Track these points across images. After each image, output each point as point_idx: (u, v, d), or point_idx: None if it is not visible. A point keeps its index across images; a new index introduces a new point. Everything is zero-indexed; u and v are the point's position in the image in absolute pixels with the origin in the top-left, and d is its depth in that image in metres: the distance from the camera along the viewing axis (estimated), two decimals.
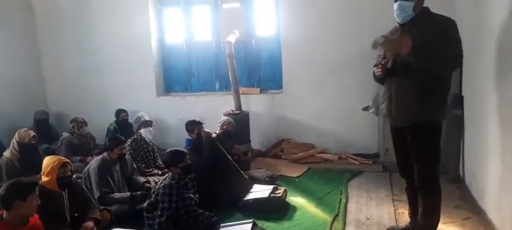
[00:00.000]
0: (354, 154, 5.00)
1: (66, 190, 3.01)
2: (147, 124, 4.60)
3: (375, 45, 2.93)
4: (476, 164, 3.56)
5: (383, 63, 2.56)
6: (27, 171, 4.09)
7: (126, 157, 3.85)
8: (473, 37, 3.37)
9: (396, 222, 3.26)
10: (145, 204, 3.07)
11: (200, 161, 3.79)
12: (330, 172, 4.66)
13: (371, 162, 4.82)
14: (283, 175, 4.62)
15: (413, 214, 2.89)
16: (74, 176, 3.14)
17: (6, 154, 4.12)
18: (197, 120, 4.29)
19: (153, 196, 2.98)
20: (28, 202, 2.36)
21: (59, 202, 2.96)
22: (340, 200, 3.80)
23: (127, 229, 3.08)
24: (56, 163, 2.91)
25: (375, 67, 2.62)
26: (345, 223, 3.32)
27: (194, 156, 3.72)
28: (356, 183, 4.28)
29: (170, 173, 3.06)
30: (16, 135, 4.20)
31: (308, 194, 4.02)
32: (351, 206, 3.66)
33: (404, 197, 3.12)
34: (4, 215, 2.37)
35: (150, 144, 4.56)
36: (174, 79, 6.31)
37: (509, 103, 2.55)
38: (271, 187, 3.83)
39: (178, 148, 3.16)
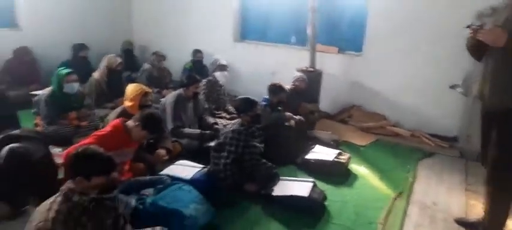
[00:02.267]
0: (430, 134, 4.66)
1: None
2: (223, 68, 4.71)
3: (473, 27, 2.55)
4: None
5: (478, 26, 2.22)
6: (112, 93, 4.49)
7: (199, 96, 4.00)
8: None
9: (466, 214, 3.04)
10: (213, 143, 3.20)
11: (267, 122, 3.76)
12: (399, 148, 4.43)
13: (447, 146, 4.46)
14: (348, 141, 4.50)
15: None
16: (152, 105, 3.37)
17: (96, 75, 4.51)
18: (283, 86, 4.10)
19: (222, 138, 3.09)
20: None
21: None
22: (406, 178, 3.62)
23: (194, 163, 3.26)
24: (139, 91, 3.15)
25: (468, 28, 2.27)
26: (408, 203, 3.17)
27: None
28: (427, 164, 4.01)
29: (240, 119, 3.13)
30: (105, 60, 4.55)
31: (372, 166, 3.88)
32: (418, 187, 3.47)
33: (480, 189, 2.86)
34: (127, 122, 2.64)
35: (223, 87, 4.68)
36: (251, 26, 6.28)
37: None
38: (337, 151, 3.76)
39: (250, 97, 3.19)
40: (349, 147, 4.35)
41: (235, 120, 3.24)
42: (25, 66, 5.00)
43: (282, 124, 3.92)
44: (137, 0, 7.05)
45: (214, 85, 4.58)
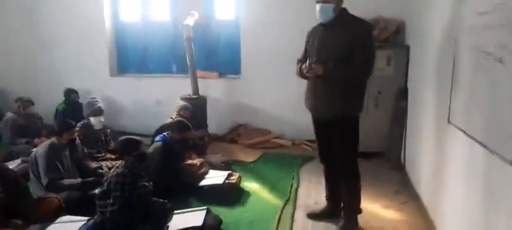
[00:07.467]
0: (308, 141, 5.19)
1: None
2: (98, 112, 4.35)
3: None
4: (414, 153, 3.87)
5: (313, 66, 2.76)
6: None
7: (76, 141, 3.72)
8: (421, 38, 3.62)
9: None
10: (97, 191, 3.02)
11: (167, 162, 3.70)
12: (284, 158, 4.82)
13: None
14: (239, 160, 4.73)
15: (330, 197, 3.21)
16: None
17: None
18: (189, 124, 3.97)
19: (106, 184, 2.94)
20: None
21: None
22: (291, 185, 3.98)
23: (78, 216, 3.03)
24: None
25: (305, 67, 2.80)
26: (294, 208, 3.48)
27: (163, 156, 3.69)
28: (307, 169, 4.46)
29: (123, 161, 3.03)
30: None
31: (262, 180, 4.15)
32: (301, 191, 3.85)
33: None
34: None
35: (101, 129, 4.39)
36: (129, 59, 6.12)
37: (444, 103, 2.78)
38: (226, 173, 3.91)
39: (132, 137, 3.12)
40: (240, 165, 4.57)
41: (118, 163, 3.12)
42: None
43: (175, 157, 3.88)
44: None
45: (89, 129, 4.27)
